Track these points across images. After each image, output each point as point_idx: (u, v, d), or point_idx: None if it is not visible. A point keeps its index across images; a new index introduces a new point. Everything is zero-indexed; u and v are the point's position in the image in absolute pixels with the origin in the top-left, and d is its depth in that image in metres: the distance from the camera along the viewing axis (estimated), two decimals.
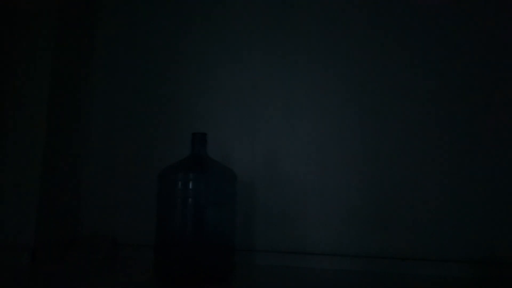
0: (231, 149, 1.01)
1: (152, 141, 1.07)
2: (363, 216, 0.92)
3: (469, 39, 0.93)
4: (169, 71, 1.09)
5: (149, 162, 1.06)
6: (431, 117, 0.92)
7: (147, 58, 1.11)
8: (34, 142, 0.96)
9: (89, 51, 1.15)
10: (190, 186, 0.75)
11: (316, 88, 0.99)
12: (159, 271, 0.75)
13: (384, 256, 0.89)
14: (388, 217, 0.91)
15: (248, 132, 1.02)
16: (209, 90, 1.06)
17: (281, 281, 0.77)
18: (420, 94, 0.94)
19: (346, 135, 0.96)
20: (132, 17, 1.15)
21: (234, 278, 0.78)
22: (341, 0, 1.01)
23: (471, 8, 0.94)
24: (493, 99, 0.90)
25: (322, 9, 1.02)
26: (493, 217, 0.86)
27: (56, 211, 1.01)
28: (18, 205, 0.94)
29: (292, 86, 1.01)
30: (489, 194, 0.87)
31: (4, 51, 1.01)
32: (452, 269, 0.84)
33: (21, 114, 0.98)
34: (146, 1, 1.14)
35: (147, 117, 1.09)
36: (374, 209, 0.92)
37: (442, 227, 0.88)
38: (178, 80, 1.08)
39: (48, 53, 0.99)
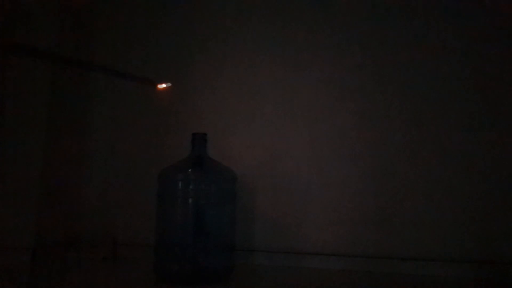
0: (231, 149, 1.01)
1: (152, 141, 1.07)
2: (363, 216, 0.92)
3: (477, 39, 0.93)
4: (169, 70, 1.09)
5: (149, 162, 1.06)
6: (432, 117, 0.92)
7: (147, 57, 1.11)
8: (34, 142, 0.96)
9: (89, 50, 1.15)
10: (190, 186, 0.75)
11: (317, 88, 0.99)
12: (159, 271, 0.75)
13: (384, 256, 0.89)
14: (389, 217, 0.91)
15: (248, 132, 1.01)
16: (210, 90, 1.06)
17: (281, 281, 0.78)
18: (423, 93, 0.93)
19: (347, 135, 0.96)
20: (133, 15, 1.14)
21: (234, 278, 0.78)
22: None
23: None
24: (495, 99, 0.90)
25: (324, 6, 1.02)
26: (493, 217, 0.86)
27: (56, 211, 1.00)
28: (18, 205, 0.94)
29: (294, 86, 1.01)
30: (489, 194, 0.87)
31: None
32: (452, 269, 0.84)
33: (21, 114, 0.98)
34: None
35: (147, 117, 1.09)
36: (374, 209, 0.92)
37: (442, 227, 0.88)
38: (178, 80, 1.08)
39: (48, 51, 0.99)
